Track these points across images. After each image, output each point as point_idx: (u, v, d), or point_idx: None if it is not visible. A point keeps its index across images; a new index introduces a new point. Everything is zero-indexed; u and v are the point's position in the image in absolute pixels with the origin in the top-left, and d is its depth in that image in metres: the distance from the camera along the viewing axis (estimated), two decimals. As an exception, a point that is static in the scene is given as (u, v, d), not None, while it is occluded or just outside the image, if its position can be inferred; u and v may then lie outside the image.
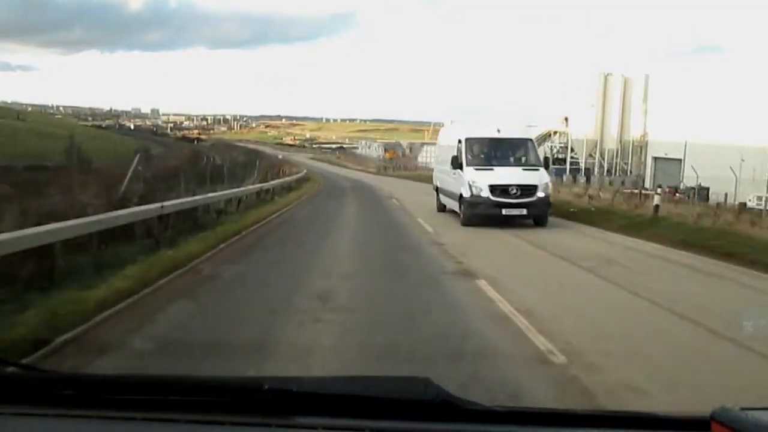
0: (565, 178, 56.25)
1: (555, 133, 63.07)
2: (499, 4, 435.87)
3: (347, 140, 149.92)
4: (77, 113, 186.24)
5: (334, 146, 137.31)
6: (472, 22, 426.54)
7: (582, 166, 58.96)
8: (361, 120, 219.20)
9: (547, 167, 16.00)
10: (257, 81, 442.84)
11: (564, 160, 62.17)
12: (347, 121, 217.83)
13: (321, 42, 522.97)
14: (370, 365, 4.55)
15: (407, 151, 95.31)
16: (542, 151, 68.21)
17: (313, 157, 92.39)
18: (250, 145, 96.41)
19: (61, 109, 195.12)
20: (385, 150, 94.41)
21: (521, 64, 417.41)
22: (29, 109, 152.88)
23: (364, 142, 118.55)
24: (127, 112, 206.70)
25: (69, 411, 1.33)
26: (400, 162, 76.70)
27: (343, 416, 1.28)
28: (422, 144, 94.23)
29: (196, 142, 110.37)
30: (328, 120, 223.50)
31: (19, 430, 1.32)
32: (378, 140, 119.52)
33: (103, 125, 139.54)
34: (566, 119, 61.94)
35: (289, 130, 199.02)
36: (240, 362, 4.49)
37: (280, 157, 70.68)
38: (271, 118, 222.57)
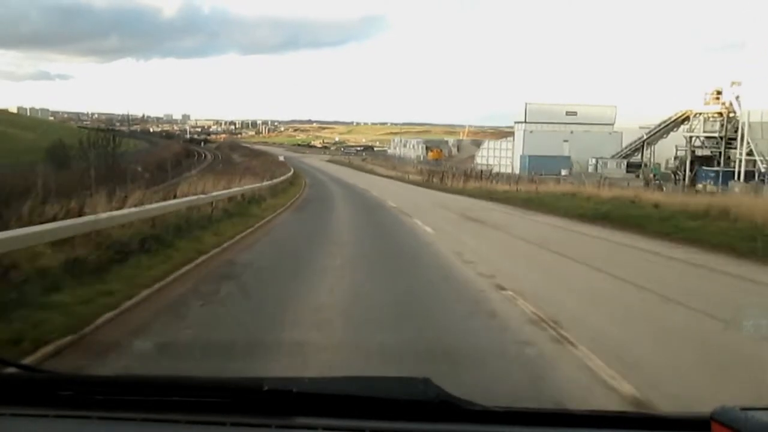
0: (736, 187, 31.04)
1: (695, 115, 38.22)
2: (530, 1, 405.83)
3: (377, 143, 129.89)
4: (110, 120, 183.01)
5: (359, 147, 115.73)
6: (505, 21, 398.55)
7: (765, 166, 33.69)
8: (391, 123, 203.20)
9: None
10: (288, 86, 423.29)
11: (710, 158, 37.16)
12: (378, 125, 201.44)
13: (351, 46, 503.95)
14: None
15: (454, 150, 69.90)
16: (672, 145, 43.31)
17: (331, 159, 69.40)
18: (257, 146, 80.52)
19: (95, 116, 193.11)
20: (428, 148, 67.92)
21: (560, 61, 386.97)
22: (65, 116, 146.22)
23: (397, 139, 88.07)
24: (159, 118, 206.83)
25: (68, 411, 1.30)
26: (451, 164, 52.26)
27: (342, 417, 1.25)
28: (473, 141, 69.62)
29: (203, 143, 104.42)
30: (358, 123, 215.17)
31: (19, 430, 1.29)
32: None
33: (127, 130, 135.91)
34: (718, 93, 36.93)
35: (319, 134, 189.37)
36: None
37: (281, 158, 50.38)
38: (301, 122, 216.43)
